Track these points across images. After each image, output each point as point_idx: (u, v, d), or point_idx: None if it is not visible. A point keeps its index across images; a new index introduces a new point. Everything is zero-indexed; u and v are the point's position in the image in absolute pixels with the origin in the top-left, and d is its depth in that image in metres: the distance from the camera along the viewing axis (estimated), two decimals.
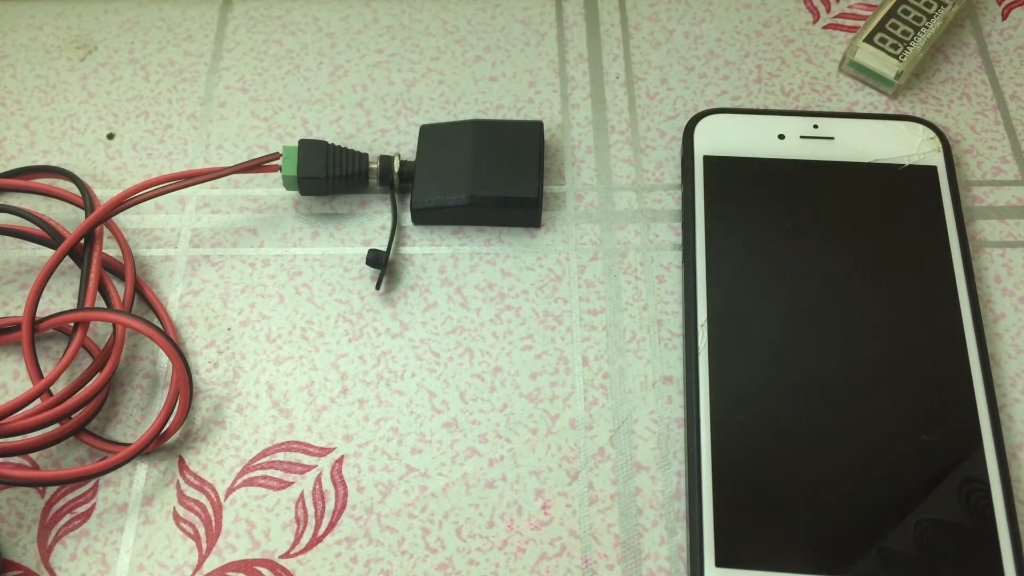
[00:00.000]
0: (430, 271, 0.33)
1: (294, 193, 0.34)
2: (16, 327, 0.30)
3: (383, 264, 0.32)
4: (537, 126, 0.34)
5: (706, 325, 0.30)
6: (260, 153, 0.35)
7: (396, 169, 0.33)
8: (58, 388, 0.30)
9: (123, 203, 0.31)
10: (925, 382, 0.29)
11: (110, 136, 0.36)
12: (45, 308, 0.32)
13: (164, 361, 0.31)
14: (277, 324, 0.32)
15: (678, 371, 0.31)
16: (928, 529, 0.26)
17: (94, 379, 0.29)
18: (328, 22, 0.39)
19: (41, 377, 0.28)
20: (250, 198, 0.34)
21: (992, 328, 0.31)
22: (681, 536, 0.28)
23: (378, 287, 0.32)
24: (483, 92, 0.37)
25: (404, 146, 0.35)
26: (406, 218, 0.34)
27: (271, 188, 0.35)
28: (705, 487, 0.27)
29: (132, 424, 0.30)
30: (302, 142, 0.33)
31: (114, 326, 0.30)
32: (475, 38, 0.38)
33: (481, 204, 0.32)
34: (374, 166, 0.33)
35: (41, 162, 0.35)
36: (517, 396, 0.30)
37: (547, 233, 0.33)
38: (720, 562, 0.26)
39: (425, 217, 0.33)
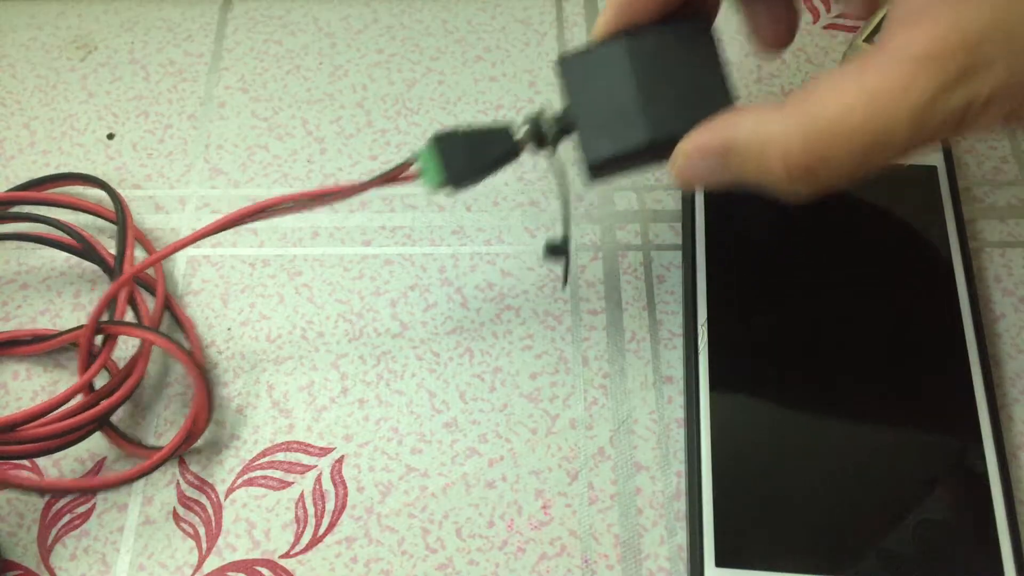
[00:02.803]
0: (430, 271, 0.33)
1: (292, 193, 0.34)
2: (33, 340, 0.31)
3: (566, 253, 0.27)
4: (703, 26, 0.26)
5: (706, 325, 0.30)
6: (260, 153, 0.35)
7: (550, 129, 0.26)
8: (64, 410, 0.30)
9: (242, 220, 0.27)
10: (925, 381, 0.29)
11: (110, 136, 0.36)
12: (56, 310, 0.32)
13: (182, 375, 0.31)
14: (277, 324, 0.32)
15: (678, 371, 0.31)
16: (928, 529, 0.26)
17: (116, 392, 0.29)
18: (328, 22, 0.39)
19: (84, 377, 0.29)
20: (250, 198, 0.34)
21: (992, 328, 0.31)
22: (681, 536, 0.28)
23: (565, 284, 0.29)
24: (483, 92, 0.37)
25: (404, 146, 0.35)
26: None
27: (271, 188, 0.35)
28: (705, 487, 0.27)
29: (139, 418, 0.30)
30: (437, 142, 0.26)
31: (142, 342, 0.30)
32: (475, 38, 0.38)
33: (667, 140, 0.25)
34: (522, 134, 0.27)
35: (41, 163, 0.35)
36: (517, 396, 0.30)
37: (547, 233, 0.33)
38: (720, 562, 0.26)
39: (602, 174, 0.26)
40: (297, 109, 0.37)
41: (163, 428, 0.30)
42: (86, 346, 0.29)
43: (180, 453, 0.29)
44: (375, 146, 0.35)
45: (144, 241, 0.33)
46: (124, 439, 0.29)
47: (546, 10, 0.39)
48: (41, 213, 0.32)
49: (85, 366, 0.29)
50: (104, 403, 0.28)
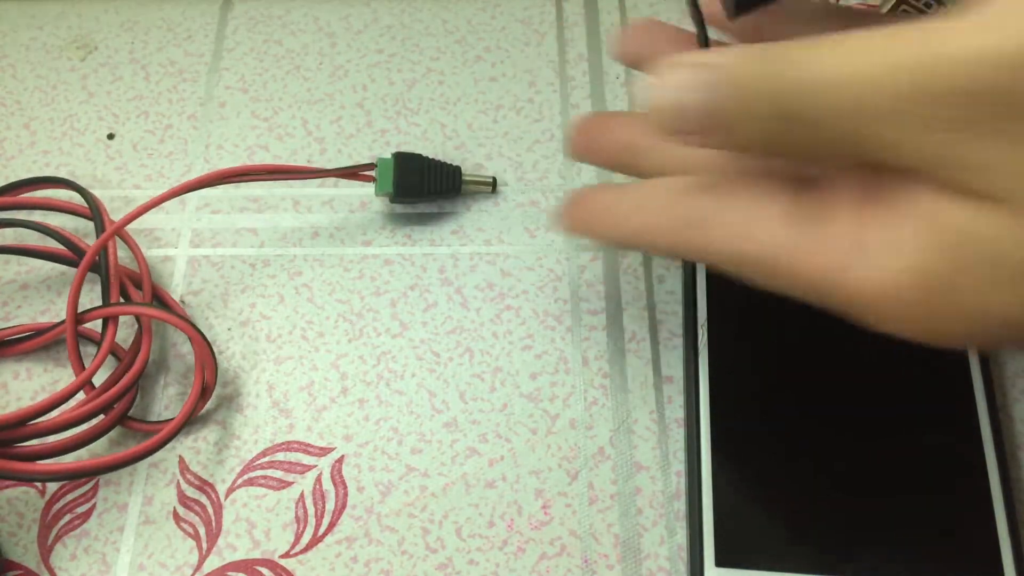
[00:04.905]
0: (430, 271, 0.33)
1: (293, 193, 0.34)
2: (38, 332, 0.31)
3: None
4: None
5: (706, 325, 0.30)
6: (260, 153, 0.35)
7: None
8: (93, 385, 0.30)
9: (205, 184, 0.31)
10: (925, 381, 0.29)
11: (110, 136, 0.36)
12: (56, 309, 0.32)
13: (182, 350, 0.31)
14: (277, 324, 0.32)
15: (678, 371, 0.31)
16: (928, 529, 0.26)
17: (129, 372, 0.29)
18: (328, 22, 0.39)
19: (83, 370, 0.29)
20: (250, 198, 0.34)
21: None
22: (681, 536, 0.28)
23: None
24: (483, 92, 0.37)
25: (404, 146, 0.35)
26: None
27: (271, 188, 0.35)
28: (705, 487, 0.27)
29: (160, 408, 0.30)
30: (398, 158, 0.33)
31: (139, 319, 0.30)
32: (475, 38, 0.38)
33: None
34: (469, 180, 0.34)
35: (41, 163, 0.35)
36: (517, 396, 0.30)
37: (547, 233, 0.33)
38: (720, 562, 0.26)
39: (747, 8, 0.24)
40: (297, 109, 0.37)
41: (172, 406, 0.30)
42: (72, 337, 0.29)
43: (195, 416, 0.30)
44: (375, 146, 0.35)
45: (123, 235, 0.33)
46: (145, 423, 0.30)
47: (546, 10, 0.39)
48: (19, 218, 0.32)
49: (78, 358, 0.29)
50: (113, 389, 0.28)
